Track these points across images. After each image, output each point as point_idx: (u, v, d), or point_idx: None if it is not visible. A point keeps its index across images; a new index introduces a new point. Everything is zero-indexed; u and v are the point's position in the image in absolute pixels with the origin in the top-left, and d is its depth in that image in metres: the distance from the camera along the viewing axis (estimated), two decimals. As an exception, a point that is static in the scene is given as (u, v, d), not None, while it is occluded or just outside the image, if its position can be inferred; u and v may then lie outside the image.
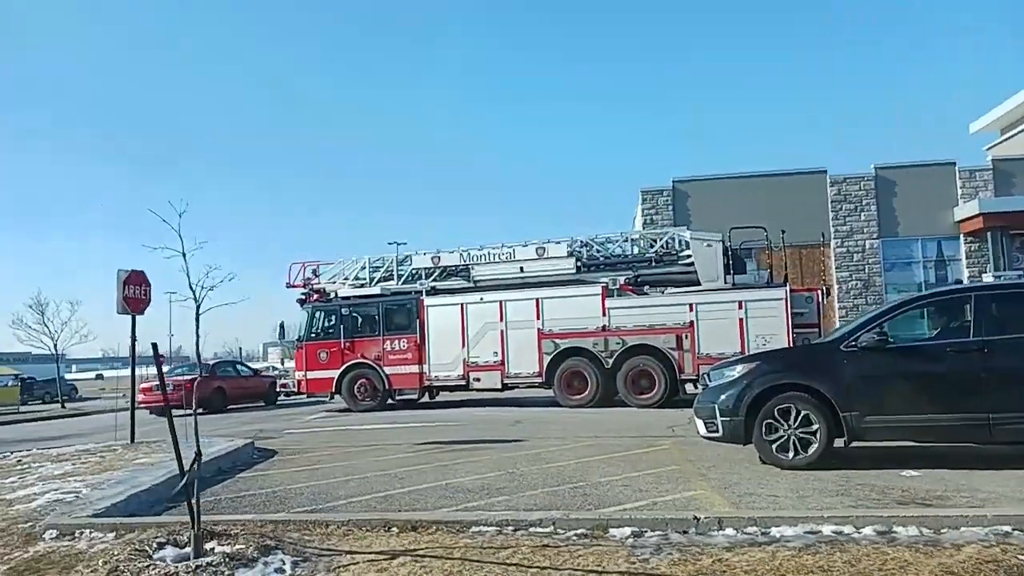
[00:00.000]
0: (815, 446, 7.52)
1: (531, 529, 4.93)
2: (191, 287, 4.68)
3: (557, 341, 17.42)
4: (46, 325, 30.69)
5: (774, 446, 7.66)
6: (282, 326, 21.64)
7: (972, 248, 24.86)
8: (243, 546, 4.45)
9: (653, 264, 18.12)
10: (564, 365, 17.37)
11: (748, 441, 7.93)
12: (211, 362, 24.71)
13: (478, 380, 18.33)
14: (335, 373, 19.41)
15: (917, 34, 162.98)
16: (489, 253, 19.60)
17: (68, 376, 67.73)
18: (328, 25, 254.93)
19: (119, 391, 25.41)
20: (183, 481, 4.45)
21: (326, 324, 20.00)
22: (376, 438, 11.77)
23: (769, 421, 7.70)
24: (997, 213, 23.56)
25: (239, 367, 26.13)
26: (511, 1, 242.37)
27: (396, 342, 19.15)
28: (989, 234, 24.04)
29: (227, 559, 4.22)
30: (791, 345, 15.33)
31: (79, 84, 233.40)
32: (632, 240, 18.67)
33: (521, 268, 19.10)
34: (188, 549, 4.56)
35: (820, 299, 16.58)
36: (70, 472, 8.21)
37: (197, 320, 4.82)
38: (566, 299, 17.64)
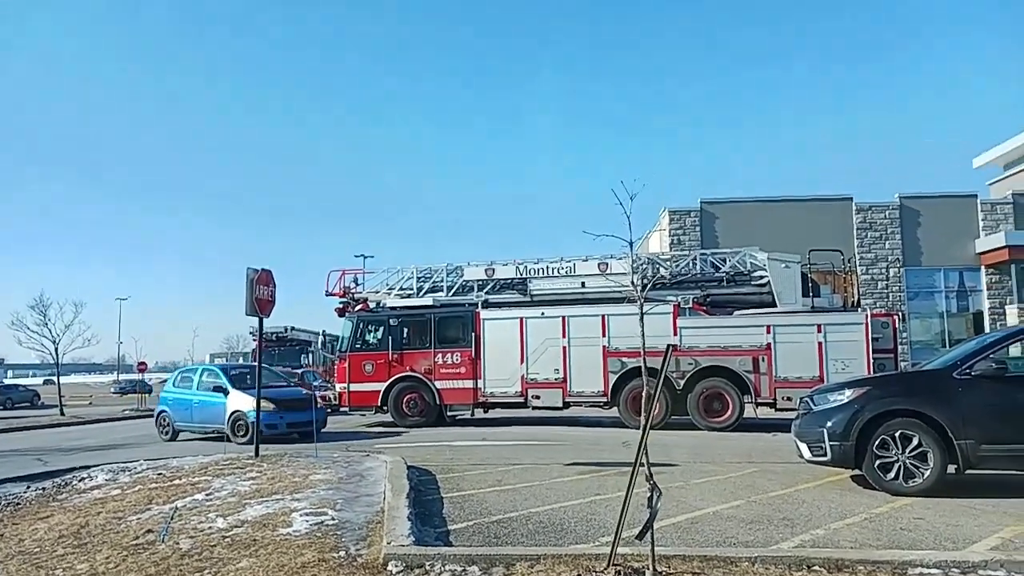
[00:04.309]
0: (929, 473, 7.58)
1: (980, 572, 4.44)
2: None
3: (624, 360, 16.90)
4: (48, 327, 28.74)
5: (885, 472, 7.67)
6: (324, 335, 20.65)
7: (993, 280, 25.46)
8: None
9: (724, 284, 17.89)
10: (631, 385, 16.81)
11: (857, 466, 7.97)
12: (300, 371, 23.89)
13: (537, 397, 17.69)
14: (381, 386, 18.52)
15: (924, 72, 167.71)
16: (548, 267, 19.10)
17: (6, 381, 64.25)
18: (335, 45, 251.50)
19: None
20: (649, 518, 3.81)
21: (372, 334, 19.10)
22: (502, 457, 11.04)
23: (880, 447, 7.76)
24: (1022, 246, 24.17)
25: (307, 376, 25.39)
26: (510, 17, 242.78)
27: (449, 355, 18.39)
28: (1013, 266, 24.64)
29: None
30: (870, 371, 15.26)
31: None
32: (700, 259, 18.38)
33: (583, 283, 18.65)
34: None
35: (896, 325, 16.54)
36: (261, 491, 7.33)
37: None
38: (634, 317, 16.99)
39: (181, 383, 17.52)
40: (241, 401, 15.39)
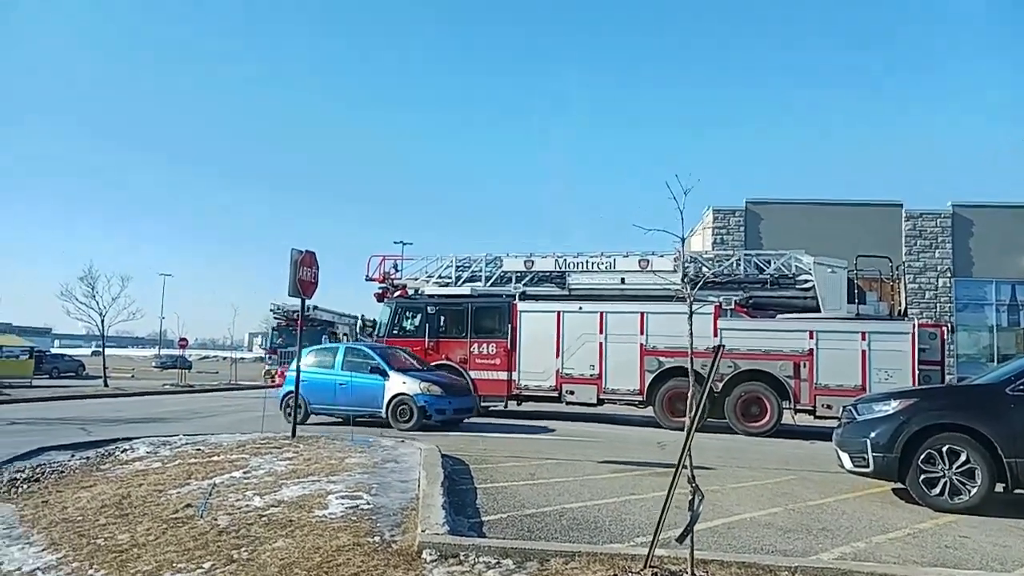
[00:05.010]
0: (976, 490, 7.36)
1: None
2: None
3: (661, 359, 16.74)
4: (95, 299, 29.47)
5: (930, 487, 7.48)
6: (363, 319, 20.81)
7: (1047, 294, 24.71)
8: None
9: (767, 286, 17.59)
10: (667, 385, 16.66)
11: (900, 479, 7.78)
12: None
13: (571, 393, 17.59)
14: (416, 373, 18.61)
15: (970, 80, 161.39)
16: (587, 261, 18.99)
17: (53, 350, 66.06)
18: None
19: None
20: (690, 522, 3.73)
21: (409, 321, 19.21)
22: (535, 450, 11.03)
23: (926, 461, 7.55)
24: (1078, 261, 23.38)
25: None
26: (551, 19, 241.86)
27: (485, 346, 18.39)
28: (1069, 282, 23.86)
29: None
30: (915, 382, 14.89)
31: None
32: (743, 259, 18.10)
33: (622, 279, 18.50)
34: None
35: (945, 336, 16.10)
36: (297, 472, 7.40)
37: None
38: (673, 315, 16.80)
39: (316, 363, 15.80)
40: (405, 384, 14.49)
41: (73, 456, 8.88)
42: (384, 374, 14.75)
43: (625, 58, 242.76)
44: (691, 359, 4.38)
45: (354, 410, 14.74)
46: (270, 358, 33.16)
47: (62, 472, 8.11)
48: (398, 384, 14.53)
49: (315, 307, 29.81)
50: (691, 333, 4.39)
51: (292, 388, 15.16)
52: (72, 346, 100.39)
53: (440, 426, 14.19)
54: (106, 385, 28.33)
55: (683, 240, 4.26)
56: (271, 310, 32.53)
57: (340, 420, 14.87)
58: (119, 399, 23.90)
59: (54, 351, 63.05)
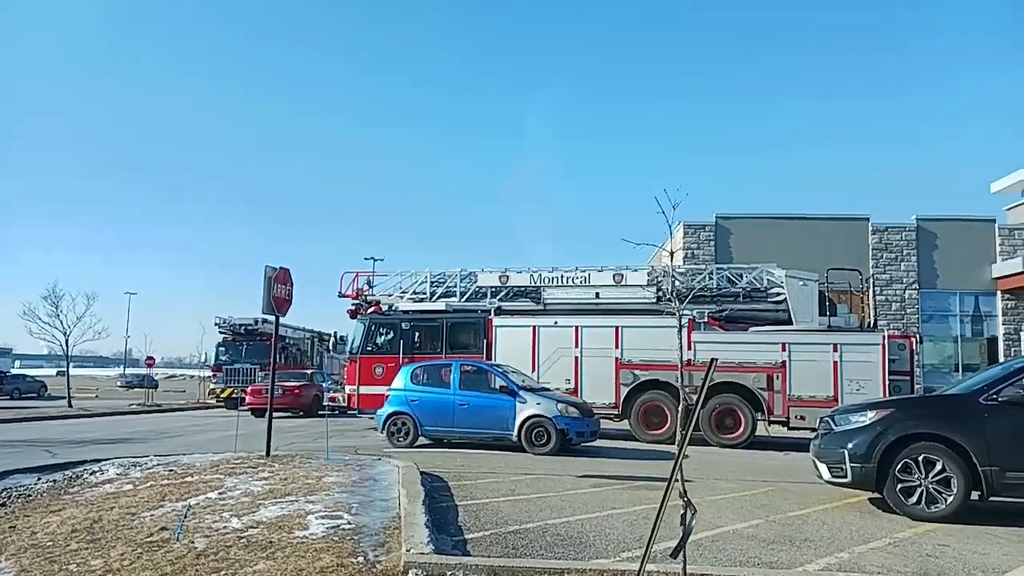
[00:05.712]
0: (952, 499, 7.48)
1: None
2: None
3: (636, 372, 16.80)
4: (59, 318, 28.77)
5: (907, 496, 7.58)
6: (336, 336, 20.64)
7: (1008, 305, 25.27)
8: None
9: (740, 299, 17.77)
10: (643, 398, 16.73)
11: (877, 489, 7.88)
12: (310, 371, 24.06)
13: (547, 407, 17.57)
14: (391, 390, 18.46)
15: (940, 97, 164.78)
16: (562, 276, 19.06)
17: (14, 371, 64.40)
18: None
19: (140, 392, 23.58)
20: (683, 536, 3.71)
21: (384, 337, 19.12)
22: (512, 466, 10.97)
23: (902, 470, 7.67)
24: (1041, 272, 23.98)
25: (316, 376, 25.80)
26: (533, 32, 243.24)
27: (460, 361, 18.30)
28: (1031, 292, 24.43)
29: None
30: (886, 393, 15.12)
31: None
32: (716, 273, 18.27)
33: (597, 294, 18.60)
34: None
35: (914, 347, 16.36)
36: (274, 492, 7.25)
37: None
38: (648, 329, 16.96)
39: (427, 381, 14.64)
40: (540, 405, 13.47)
41: (40, 479, 8.62)
42: (514, 394, 13.73)
43: (601, 72, 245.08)
44: (680, 373, 4.40)
45: (476, 432, 13.99)
46: (215, 376, 31.24)
47: (29, 496, 7.86)
48: (533, 405, 13.50)
49: (264, 320, 28.50)
50: (680, 347, 4.39)
51: (397, 408, 14.38)
52: (34, 366, 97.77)
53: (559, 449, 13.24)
54: (70, 406, 27.61)
55: (672, 254, 4.28)
56: (216, 324, 31.19)
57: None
58: (84, 420, 23.35)
59: (15, 371, 61.49)
